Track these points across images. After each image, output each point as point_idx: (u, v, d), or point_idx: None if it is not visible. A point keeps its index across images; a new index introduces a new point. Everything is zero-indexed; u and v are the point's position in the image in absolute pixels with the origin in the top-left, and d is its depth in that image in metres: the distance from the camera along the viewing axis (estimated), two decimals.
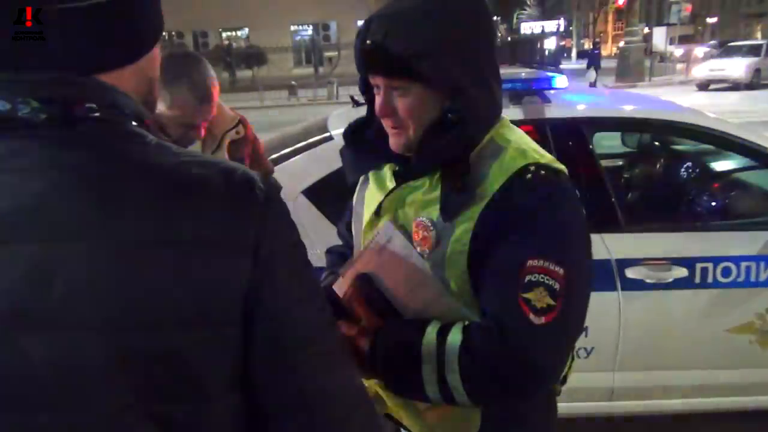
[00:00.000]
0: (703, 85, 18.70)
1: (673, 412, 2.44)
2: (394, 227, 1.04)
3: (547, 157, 1.03)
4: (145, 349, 0.59)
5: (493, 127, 1.05)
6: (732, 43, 21.84)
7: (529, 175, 0.97)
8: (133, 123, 0.66)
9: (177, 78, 1.57)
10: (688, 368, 2.37)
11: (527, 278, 0.92)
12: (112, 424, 0.59)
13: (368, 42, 0.97)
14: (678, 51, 26.08)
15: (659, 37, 28.24)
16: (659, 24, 37.41)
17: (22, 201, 0.58)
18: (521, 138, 1.06)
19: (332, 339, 0.70)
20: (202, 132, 1.67)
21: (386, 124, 1.04)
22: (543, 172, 0.98)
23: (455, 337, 0.95)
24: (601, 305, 2.24)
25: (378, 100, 1.02)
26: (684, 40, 31.37)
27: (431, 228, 1.00)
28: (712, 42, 29.57)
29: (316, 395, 0.67)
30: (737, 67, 18.59)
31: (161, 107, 1.58)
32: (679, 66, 22.81)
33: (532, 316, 0.90)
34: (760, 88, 17.44)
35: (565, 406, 2.36)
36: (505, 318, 0.93)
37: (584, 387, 2.35)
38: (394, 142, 1.05)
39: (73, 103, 0.62)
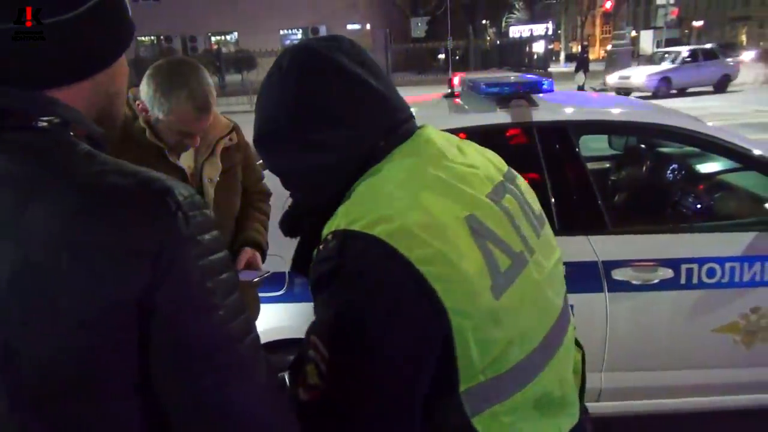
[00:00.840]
0: (622, 92, 17.56)
1: (660, 412, 2.46)
2: None
3: (346, 218, 0.86)
4: (36, 349, 0.62)
5: (356, 181, 0.94)
6: (660, 50, 21.56)
7: (321, 246, 0.87)
8: (71, 134, 0.71)
9: (176, 86, 1.57)
10: (675, 368, 2.39)
11: (309, 351, 0.86)
12: (3, 423, 0.62)
13: None
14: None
15: (646, 40, 28.44)
16: (646, 27, 37.76)
17: None
18: (366, 190, 0.91)
19: (237, 354, 0.69)
20: (197, 140, 1.67)
21: None
22: (330, 243, 0.86)
23: None
24: (589, 306, 2.27)
25: None
26: (671, 43, 31.60)
27: None
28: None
29: (213, 410, 0.67)
30: (639, 75, 18.17)
31: (158, 114, 1.58)
32: None
33: (301, 389, 0.86)
34: (668, 97, 16.86)
35: None
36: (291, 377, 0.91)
37: None
38: None
39: (11, 113, 0.69)
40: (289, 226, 1.04)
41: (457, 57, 33.58)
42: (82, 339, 0.62)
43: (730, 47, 27.86)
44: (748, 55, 26.92)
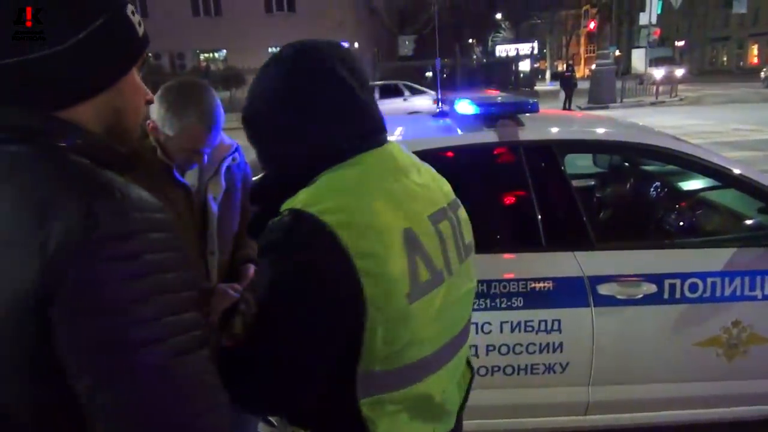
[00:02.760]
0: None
1: (646, 425, 2.51)
2: None
3: (304, 200, 0.97)
4: None
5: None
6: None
7: (277, 218, 0.98)
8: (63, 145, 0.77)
9: (187, 106, 1.62)
10: (660, 382, 2.45)
11: (241, 304, 1.03)
12: None
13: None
14: (658, 73, 26.47)
15: (639, 59, 28.54)
16: (630, 47, 38.35)
17: None
18: (328, 181, 1.01)
19: (149, 361, 0.69)
20: (205, 158, 1.72)
21: None
22: (285, 217, 0.97)
23: None
24: (575, 321, 2.32)
25: None
26: (662, 62, 31.93)
27: None
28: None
29: (116, 410, 0.69)
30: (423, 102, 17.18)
31: (168, 132, 1.63)
32: (661, 88, 23.06)
33: (225, 335, 1.02)
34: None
35: (542, 421, 2.44)
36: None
37: (560, 402, 2.42)
38: None
39: (38, 132, 0.76)
40: (255, 194, 1.15)
41: (444, 75, 33.89)
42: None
43: None
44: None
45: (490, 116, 2.59)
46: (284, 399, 0.99)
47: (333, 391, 1.02)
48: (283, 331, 0.95)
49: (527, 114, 2.67)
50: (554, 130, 2.70)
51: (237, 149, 1.92)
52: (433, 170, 1.18)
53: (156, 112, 1.64)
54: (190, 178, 1.77)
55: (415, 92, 19.07)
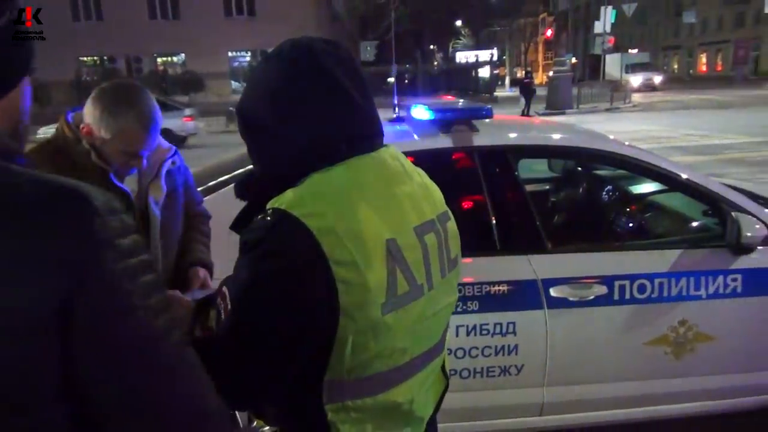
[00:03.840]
0: None
1: (600, 423, 2.57)
2: None
3: (289, 201, 0.96)
4: None
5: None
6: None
7: (261, 216, 0.98)
8: None
9: (124, 107, 1.58)
10: (612, 381, 2.50)
11: (218, 298, 1.02)
12: None
13: None
14: (636, 79, 26.55)
15: (614, 65, 28.41)
16: (585, 54, 39.20)
17: None
18: (316, 183, 0.99)
19: (162, 353, 0.72)
20: (144, 162, 1.68)
21: None
22: (269, 216, 0.97)
23: None
24: (529, 323, 2.36)
25: None
26: (639, 68, 32.15)
27: None
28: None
29: (141, 409, 0.70)
30: None
31: (104, 135, 1.59)
32: (635, 96, 23.34)
33: (198, 327, 1.03)
34: None
35: (498, 423, 2.47)
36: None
37: (516, 403, 2.45)
38: None
39: None
40: (242, 190, 1.12)
41: (406, 81, 34.12)
42: (1, 349, 0.63)
43: None
44: None
45: (445, 122, 2.61)
46: (249, 396, 1.00)
47: (299, 393, 1.01)
48: (253, 329, 0.95)
49: (483, 119, 2.71)
50: (508, 135, 2.75)
51: (176, 152, 1.89)
52: (426, 178, 1.16)
53: (90, 114, 1.59)
54: (130, 183, 1.74)
55: (168, 108, 15.49)
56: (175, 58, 30.72)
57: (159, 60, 30.53)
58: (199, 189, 2.35)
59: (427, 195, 1.11)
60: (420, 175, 1.14)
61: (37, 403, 0.66)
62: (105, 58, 29.91)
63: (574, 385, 2.48)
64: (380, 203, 0.99)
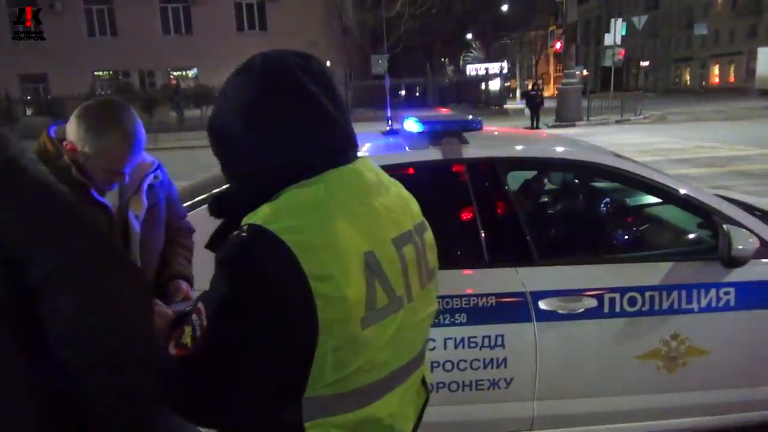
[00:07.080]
0: None
1: None
2: None
3: (265, 216, 0.95)
4: None
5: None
6: None
7: (236, 232, 0.96)
8: None
9: (108, 125, 1.60)
10: (602, 395, 2.47)
11: (193, 315, 0.98)
12: None
13: None
14: None
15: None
16: (597, 66, 39.04)
17: None
18: (291, 197, 0.98)
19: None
20: (126, 178, 1.70)
21: None
22: (244, 232, 0.94)
23: None
24: (518, 336, 2.34)
25: None
26: None
27: None
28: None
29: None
30: None
31: (88, 152, 1.61)
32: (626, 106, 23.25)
33: (173, 344, 0.99)
34: None
35: None
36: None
37: (505, 417, 2.43)
38: None
39: None
40: (217, 208, 1.11)
41: (417, 93, 34.26)
42: None
43: None
44: None
45: (434, 134, 2.62)
46: (224, 414, 0.96)
47: (277, 411, 0.98)
48: (230, 346, 0.92)
49: (473, 131, 2.71)
50: (497, 147, 2.75)
51: (159, 167, 1.91)
52: (402, 189, 1.15)
53: (74, 132, 1.61)
54: (111, 197, 1.76)
55: None
56: (188, 73, 31.11)
57: (172, 74, 30.92)
58: (194, 200, 2.37)
59: (404, 206, 1.10)
60: (397, 186, 1.14)
61: None
62: (119, 72, 30.36)
63: (564, 399, 2.45)
64: (357, 216, 0.98)
